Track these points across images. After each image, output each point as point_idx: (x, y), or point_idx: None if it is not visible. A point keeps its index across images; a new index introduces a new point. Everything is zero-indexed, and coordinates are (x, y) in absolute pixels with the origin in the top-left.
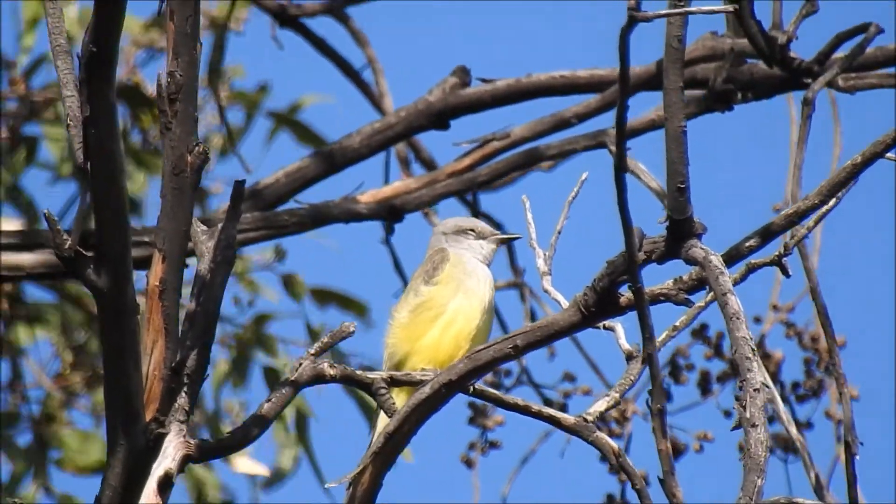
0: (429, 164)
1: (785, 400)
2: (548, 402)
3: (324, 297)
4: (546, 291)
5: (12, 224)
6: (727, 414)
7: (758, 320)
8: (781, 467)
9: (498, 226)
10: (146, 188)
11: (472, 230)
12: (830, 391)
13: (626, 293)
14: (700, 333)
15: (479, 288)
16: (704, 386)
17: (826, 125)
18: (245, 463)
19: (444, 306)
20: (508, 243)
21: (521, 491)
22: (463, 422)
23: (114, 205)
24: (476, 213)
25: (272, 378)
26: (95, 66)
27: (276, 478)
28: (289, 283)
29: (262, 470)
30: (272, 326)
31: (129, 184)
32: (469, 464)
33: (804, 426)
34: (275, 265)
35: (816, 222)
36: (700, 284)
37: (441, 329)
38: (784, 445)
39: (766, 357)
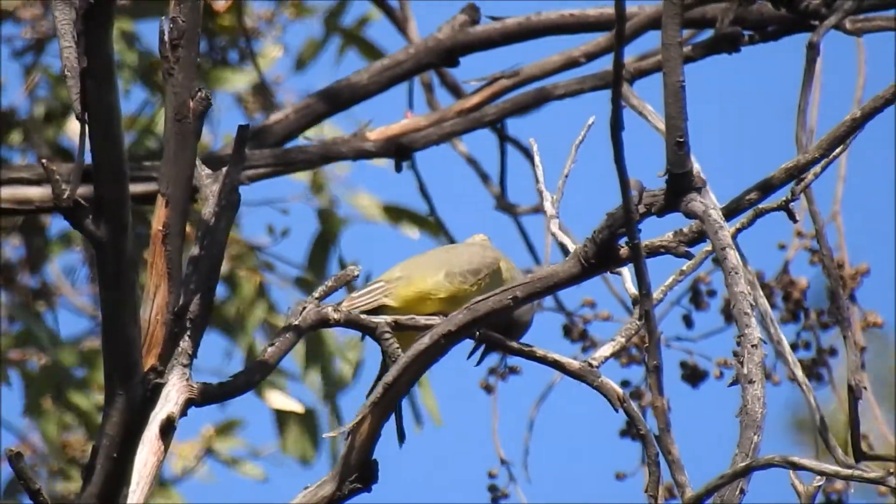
0: (454, 89)
1: (809, 328)
2: (568, 328)
3: (397, 214)
4: (553, 235)
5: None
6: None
7: (782, 247)
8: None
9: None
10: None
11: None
12: (853, 319)
13: (625, 245)
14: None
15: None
16: (728, 312)
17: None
18: (279, 399)
19: (455, 299)
20: None
21: (540, 419)
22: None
23: (112, 156)
24: (503, 138)
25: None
26: (93, 17)
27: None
28: (324, 216)
29: (296, 407)
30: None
31: None
32: (488, 390)
33: (828, 353)
34: (310, 197)
35: (823, 169)
36: (700, 237)
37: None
38: (808, 374)
39: (791, 284)
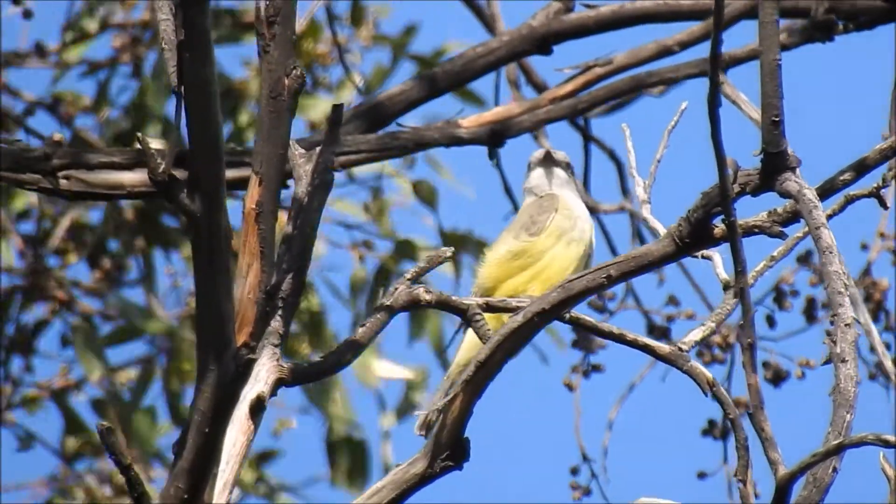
0: (539, 87)
1: (890, 328)
2: (652, 327)
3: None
4: (645, 220)
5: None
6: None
7: (864, 247)
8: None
9: (610, 151)
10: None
11: (571, 165)
12: None
13: (720, 225)
14: (805, 259)
15: (583, 237)
16: (809, 312)
17: None
18: (386, 367)
19: (542, 253)
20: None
21: (622, 416)
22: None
23: (208, 131)
24: (587, 138)
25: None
26: None
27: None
28: (420, 190)
29: (404, 373)
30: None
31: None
32: (571, 387)
33: None
34: (403, 172)
35: None
36: (794, 217)
37: (532, 274)
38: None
39: (872, 285)
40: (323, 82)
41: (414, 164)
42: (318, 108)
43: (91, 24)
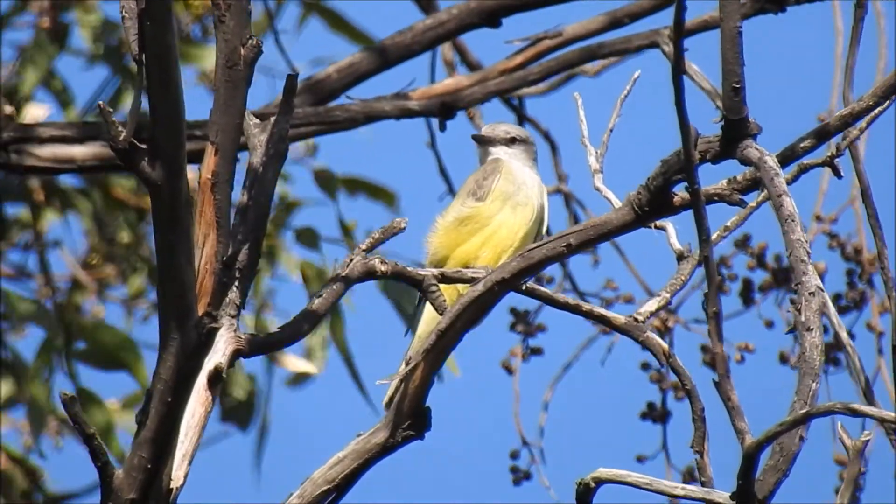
0: (474, 67)
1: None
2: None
3: (354, 185)
4: (597, 189)
5: (44, 109)
6: (769, 324)
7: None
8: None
9: (545, 132)
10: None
11: (518, 137)
12: (872, 303)
13: (679, 193)
14: (743, 244)
15: (528, 200)
16: (747, 295)
17: (868, 30)
18: (293, 361)
19: (489, 219)
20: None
21: (560, 399)
22: (504, 328)
23: (169, 98)
24: (522, 118)
25: (307, 272)
26: None
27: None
28: (322, 178)
29: (310, 368)
30: (305, 220)
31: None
32: (510, 370)
33: (848, 335)
34: (308, 160)
35: (868, 124)
36: (754, 185)
37: (482, 239)
38: (826, 354)
39: None
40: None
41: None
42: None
43: None
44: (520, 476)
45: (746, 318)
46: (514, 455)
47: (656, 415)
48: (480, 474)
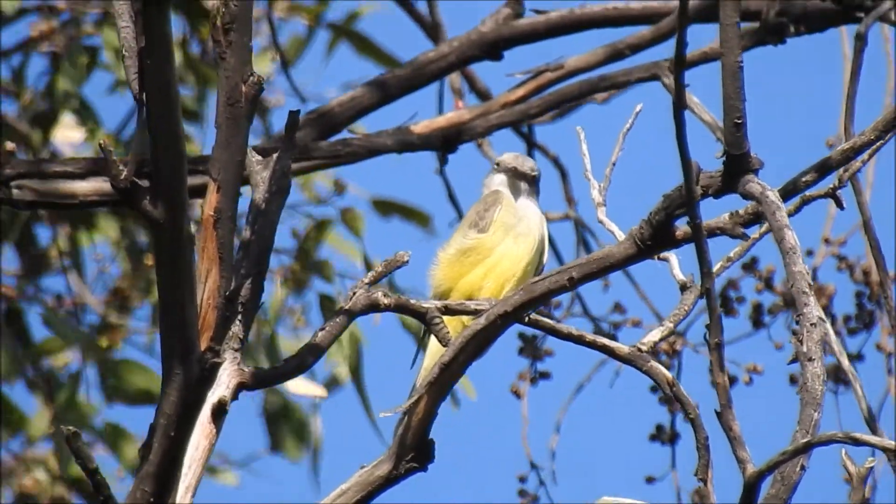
0: (483, 95)
1: (837, 333)
2: (599, 333)
3: (385, 207)
4: (601, 222)
5: (72, 131)
6: (778, 347)
7: (810, 253)
8: (832, 399)
9: (554, 158)
10: (205, 102)
11: (515, 169)
12: (881, 324)
13: (681, 227)
14: (751, 267)
15: (530, 232)
16: (756, 318)
17: (878, 59)
18: (302, 385)
19: (490, 251)
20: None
21: (570, 423)
22: (513, 353)
23: (169, 135)
24: (531, 145)
25: (328, 306)
26: None
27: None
28: (347, 217)
29: (319, 391)
30: (331, 258)
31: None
32: (518, 394)
33: (855, 358)
34: (333, 199)
35: (870, 156)
36: (756, 219)
37: (485, 270)
38: (835, 377)
39: (818, 290)
40: None
41: (344, 190)
42: None
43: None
44: (528, 499)
45: (757, 339)
46: (523, 479)
47: (665, 437)
48: (489, 498)
